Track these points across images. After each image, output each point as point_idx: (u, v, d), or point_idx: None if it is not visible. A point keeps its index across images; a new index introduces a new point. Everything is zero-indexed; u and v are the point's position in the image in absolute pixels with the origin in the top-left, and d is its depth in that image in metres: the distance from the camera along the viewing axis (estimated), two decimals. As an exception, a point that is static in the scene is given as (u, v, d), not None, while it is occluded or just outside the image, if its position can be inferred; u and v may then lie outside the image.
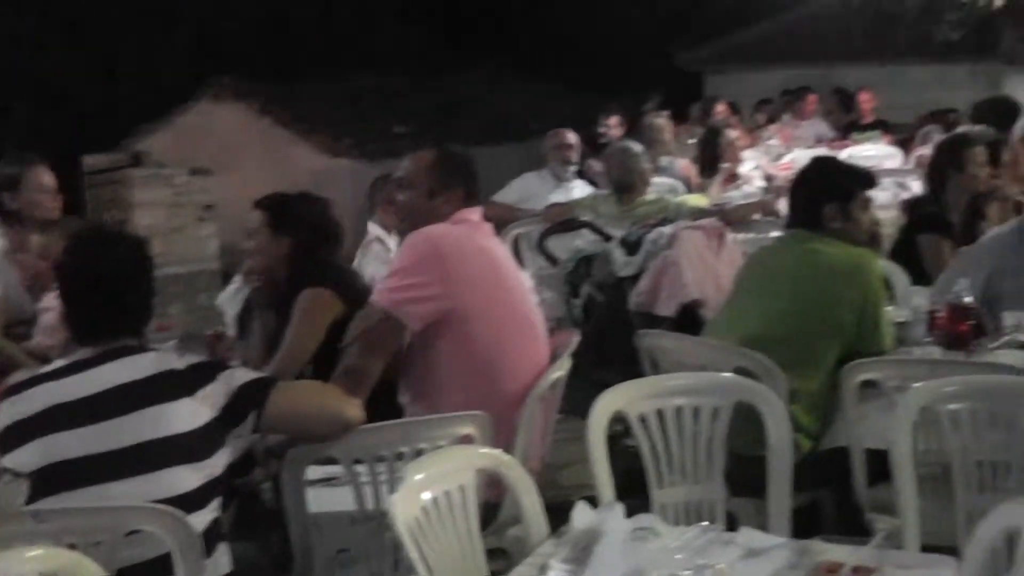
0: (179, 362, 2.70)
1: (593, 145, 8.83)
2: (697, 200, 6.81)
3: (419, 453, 2.87)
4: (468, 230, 3.56)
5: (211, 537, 2.62)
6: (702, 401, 3.11)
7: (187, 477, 2.59)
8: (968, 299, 3.72)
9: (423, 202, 3.59)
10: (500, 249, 3.79)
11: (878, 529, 3.14)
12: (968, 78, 14.54)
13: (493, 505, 3.16)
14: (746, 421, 3.09)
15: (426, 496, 2.38)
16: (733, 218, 6.11)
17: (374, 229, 5.48)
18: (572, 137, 7.64)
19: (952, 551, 2.41)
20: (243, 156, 11.83)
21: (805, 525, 3.08)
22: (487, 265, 3.54)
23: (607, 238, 5.40)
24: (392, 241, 5.46)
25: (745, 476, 3.20)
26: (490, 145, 12.23)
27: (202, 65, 14.15)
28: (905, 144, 10.02)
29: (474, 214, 3.61)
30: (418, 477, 2.40)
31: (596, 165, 8.07)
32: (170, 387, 2.63)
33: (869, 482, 3.41)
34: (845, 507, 3.49)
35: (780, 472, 3.03)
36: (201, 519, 2.59)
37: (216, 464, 2.65)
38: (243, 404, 2.68)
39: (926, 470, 3.06)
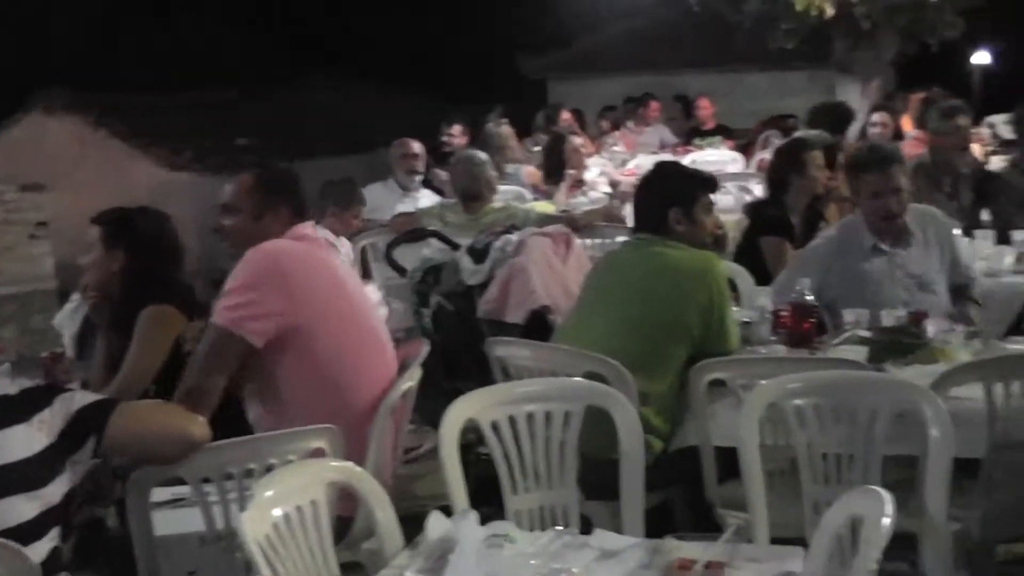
0: (11, 387, 2.60)
1: (438, 154, 8.86)
2: (544, 207, 6.88)
3: (269, 469, 2.82)
4: (308, 246, 3.53)
5: (50, 568, 2.52)
6: (553, 407, 3.14)
7: (23, 507, 2.49)
8: (810, 298, 3.85)
9: (251, 225, 3.55)
10: (340, 262, 3.78)
11: (729, 524, 3.22)
12: (804, 84, 15.09)
13: (346, 519, 3.14)
14: (598, 425, 3.13)
15: (277, 513, 2.34)
16: (580, 224, 6.19)
17: (323, 234, 5.48)
18: (417, 147, 7.65)
19: (801, 542, 2.49)
20: (78, 171, 11.46)
21: (659, 525, 3.13)
22: (329, 279, 3.51)
23: (455, 247, 5.41)
24: (344, 246, 5.42)
25: (598, 479, 3.25)
26: (335, 156, 12.14)
27: (30, 77, 13.66)
28: (746, 149, 10.34)
29: (308, 228, 3.59)
30: (268, 494, 2.36)
31: (442, 174, 8.09)
32: (2, 414, 2.53)
33: (719, 479, 3.50)
34: (697, 505, 3.57)
35: (632, 474, 3.08)
36: (39, 550, 2.49)
37: (54, 492, 2.55)
38: (82, 428, 2.59)
39: (774, 465, 3.16)
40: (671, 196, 3.94)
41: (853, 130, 7.93)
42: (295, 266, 3.42)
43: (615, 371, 3.54)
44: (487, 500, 3.03)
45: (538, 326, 4.71)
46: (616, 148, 10.71)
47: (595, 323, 3.84)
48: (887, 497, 2.08)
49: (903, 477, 3.17)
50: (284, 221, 3.55)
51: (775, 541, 2.90)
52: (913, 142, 7.46)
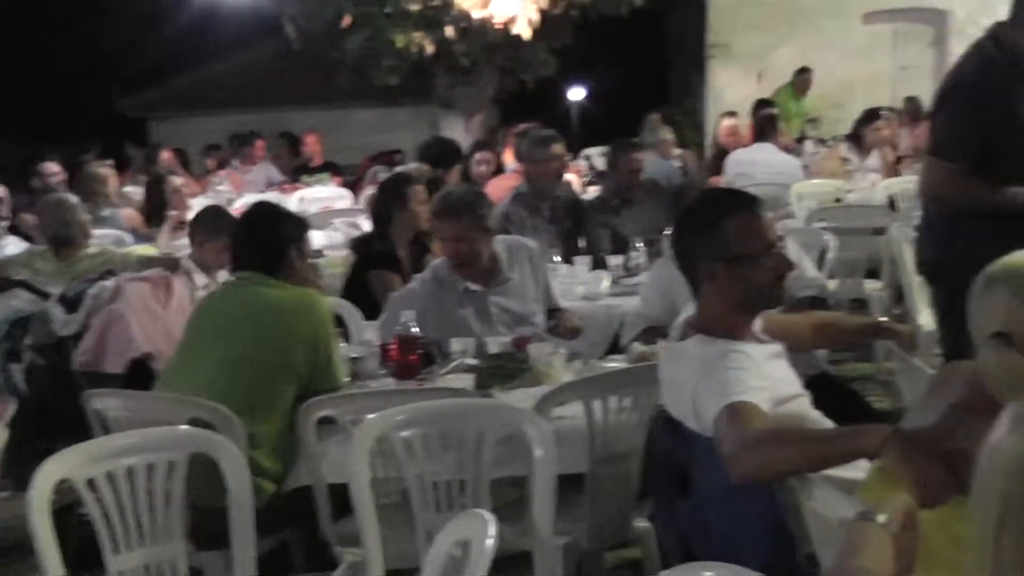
0: None
1: (29, 197, 8.36)
2: (145, 250, 6.65)
3: None
4: None
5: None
6: (155, 457, 3.04)
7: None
8: (415, 330, 3.94)
9: None
10: None
11: (345, 561, 3.23)
12: (409, 120, 15.49)
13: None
14: (205, 472, 3.06)
15: None
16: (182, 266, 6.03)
17: (187, 264, 5.21)
18: (1, 191, 7.19)
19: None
20: None
21: (277, 568, 3.10)
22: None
23: (44, 296, 5.12)
24: (200, 278, 5.10)
25: (210, 528, 3.18)
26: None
27: None
28: (355, 185, 10.45)
29: None
30: None
31: (30, 219, 7.63)
32: None
33: (335, 517, 3.50)
34: (314, 545, 3.56)
35: (242, 520, 3.03)
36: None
37: None
38: None
39: (388, 498, 3.21)
40: (288, 235, 3.94)
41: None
42: None
43: (220, 415, 3.46)
44: (91, 563, 2.89)
45: (140, 375, 4.55)
46: (222, 187, 10.53)
47: (198, 367, 3.75)
48: (490, 518, 2.15)
49: (515, 497, 3.32)
50: None
51: (392, 574, 2.94)
52: (513, 174, 7.82)
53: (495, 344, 4.18)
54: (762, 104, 10.27)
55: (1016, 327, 2.15)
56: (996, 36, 3.87)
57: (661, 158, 9.29)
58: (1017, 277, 2.16)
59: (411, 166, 6.69)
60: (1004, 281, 2.18)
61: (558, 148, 6.34)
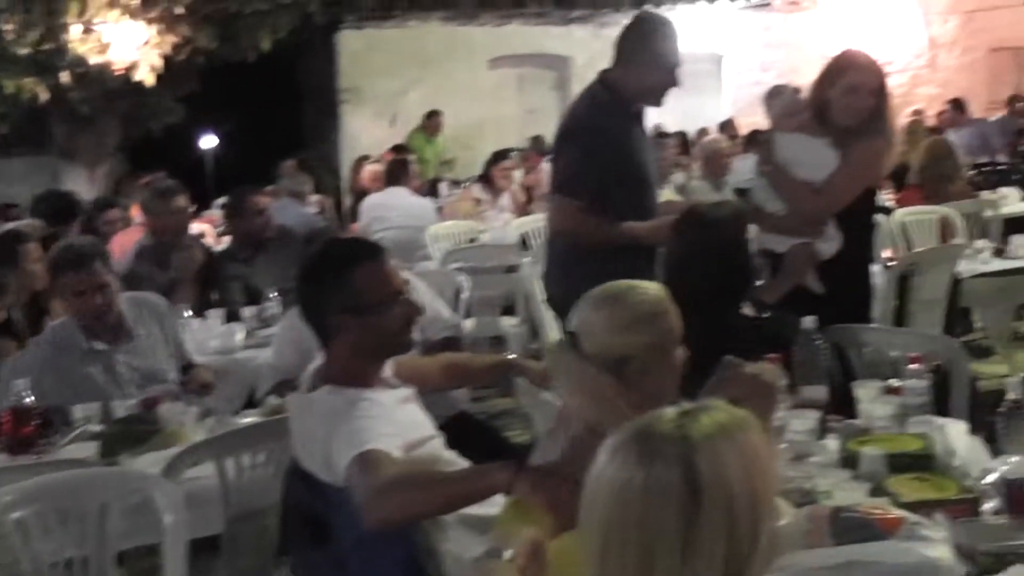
0: None
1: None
2: None
3: None
4: None
5: None
6: None
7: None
8: (29, 400, 3.70)
9: None
10: None
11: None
12: (25, 172, 14.61)
13: None
14: None
15: None
16: None
17: None
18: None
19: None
20: None
21: None
22: None
23: None
24: None
25: None
26: None
27: None
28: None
29: None
30: None
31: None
32: None
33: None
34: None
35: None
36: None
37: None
38: None
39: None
40: None
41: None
42: None
43: None
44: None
45: None
46: None
47: None
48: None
49: (148, 566, 3.18)
50: None
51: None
52: (138, 227, 7.52)
53: (122, 407, 4.01)
54: (394, 148, 10.47)
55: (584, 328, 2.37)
56: (604, 81, 4.23)
57: (297, 204, 9.25)
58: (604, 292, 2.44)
59: (23, 222, 6.30)
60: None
61: (181, 200, 6.18)
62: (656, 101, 4.26)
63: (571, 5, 15.50)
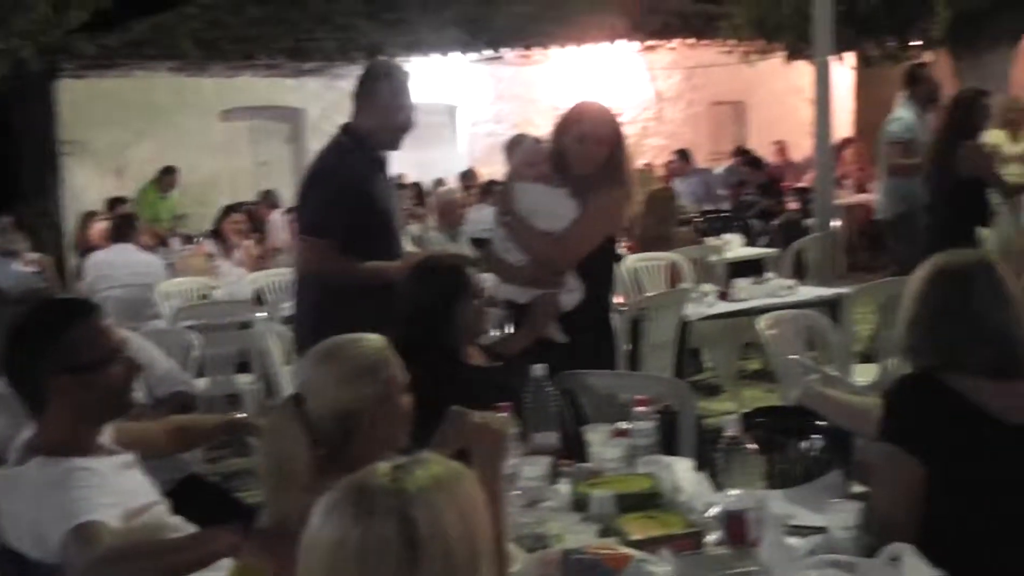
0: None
1: None
2: None
3: None
4: None
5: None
6: None
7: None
8: None
9: None
10: None
11: None
12: None
13: None
14: None
15: None
16: None
17: None
18: None
19: None
20: None
21: None
22: None
23: None
24: None
25: None
26: None
27: None
28: None
29: None
30: None
31: None
32: None
33: None
34: None
35: None
36: None
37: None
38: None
39: None
40: None
41: None
42: None
43: None
44: None
45: None
46: None
47: None
48: None
49: None
50: None
51: None
52: None
53: None
54: (117, 202, 10.12)
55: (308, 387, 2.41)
56: (346, 129, 4.49)
57: (11, 263, 8.80)
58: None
59: None
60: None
61: None
62: (393, 144, 4.51)
63: (303, 57, 15.44)
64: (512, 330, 4.23)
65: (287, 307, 7.06)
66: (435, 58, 15.45)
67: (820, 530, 2.59)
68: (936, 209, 7.15)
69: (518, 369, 3.42)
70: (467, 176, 14.06)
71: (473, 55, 16.20)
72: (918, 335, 2.68)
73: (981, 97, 7.21)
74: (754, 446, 2.75)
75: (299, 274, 4.59)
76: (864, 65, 14.42)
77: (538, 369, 3.29)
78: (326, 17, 16.05)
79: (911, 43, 12.69)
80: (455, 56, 15.95)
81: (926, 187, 7.25)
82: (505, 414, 2.96)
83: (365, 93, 4.46)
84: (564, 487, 2.98)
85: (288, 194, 13.53)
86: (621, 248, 8.24)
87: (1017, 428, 2.55)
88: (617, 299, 6.62)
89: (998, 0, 11.50)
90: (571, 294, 4.23)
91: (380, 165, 4.54)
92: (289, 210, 11.40)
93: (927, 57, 11.71)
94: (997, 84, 8.87)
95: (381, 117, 4.42)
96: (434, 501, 1.50)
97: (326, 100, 15.11)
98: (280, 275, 8.37)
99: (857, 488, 3.00)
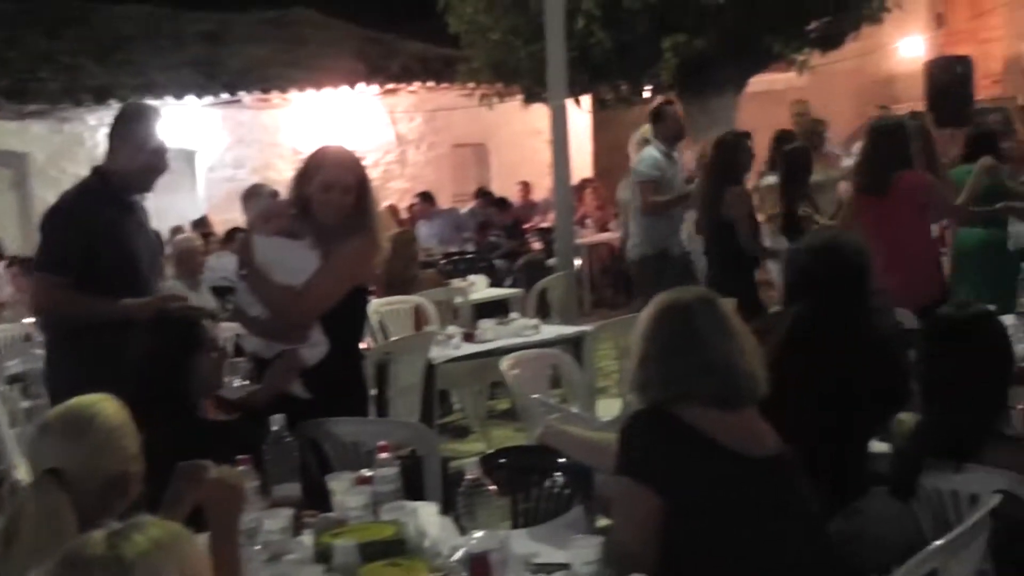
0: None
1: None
2: None
3: None
4: None
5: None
6: None
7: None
8: None
9: None
10: None
11: None
12: None
13: None
14: None
15: None
16: None
17: None
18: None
19: None
20: None
21: None
22: None
23: None
24: None
25: None
26: None
27: None
28: None
29: None
30: None
31: None
32: None
33: None
34: None
35: None
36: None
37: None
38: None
39: None
40: None
41: None
42: None
43: None
44: None
45: None
46: None
47: None
48: None
49: None
50: None
51: None
52: None
53: None
54: None
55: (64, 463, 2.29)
56: (97, 171, 4.58)
57: None
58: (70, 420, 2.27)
59: None
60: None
61: None
62: (146, 186, 4.60)
63: (25, 99, 14.78)
64: (259, 383, 4.16)
65: (12, 364, 6.73)
66: (170, 101, 15.08)
67: (563, 567, 2.65)
68: (710, 251, 7.46)
69: (258, 421, 3.37)
70: (201, 223, 13.72)
71: (209, 98, 15.90)
72: (648, 371, 2.79)
73: (742, 139, 7.57)
74: (495, 487, 2.79)
75: (35, 313, 4.70)
76: (599, 108, 14.92)
77: (277, 420, 3.25)
78: (49, 56, 15.46)
79: (643, 88, 13.22)
80: (190, 99, 15.62)
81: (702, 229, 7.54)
82: (243, 467, 2.91)
83: (118, 134, 4.53)
84: (307, 539, 2.95)
85: (13, 245, 12.91)
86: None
87: (746, 458, 2.69)
88: (362, 345, 6.63)
89: (720, 50, 12.15)
90: (315, 348, 4.14)
91: (129, 208, 4.55)
92: (13, 261, 10.88)
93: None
94: (723, 128, 9.31)
95: (133, 158, 4.47)
96: (156, 565, 1.46)
97: (53, 144, 14.51)
98: (3, 331, 7.97)
99: (601, 522, 3.10)
